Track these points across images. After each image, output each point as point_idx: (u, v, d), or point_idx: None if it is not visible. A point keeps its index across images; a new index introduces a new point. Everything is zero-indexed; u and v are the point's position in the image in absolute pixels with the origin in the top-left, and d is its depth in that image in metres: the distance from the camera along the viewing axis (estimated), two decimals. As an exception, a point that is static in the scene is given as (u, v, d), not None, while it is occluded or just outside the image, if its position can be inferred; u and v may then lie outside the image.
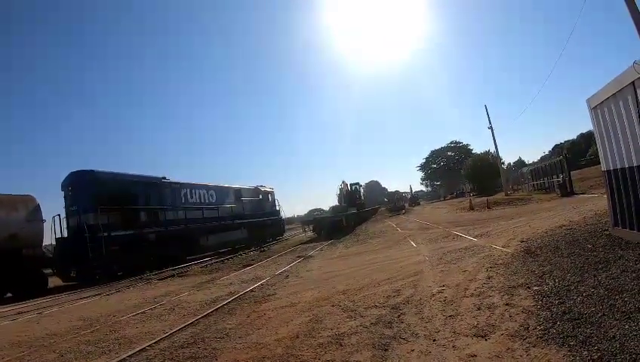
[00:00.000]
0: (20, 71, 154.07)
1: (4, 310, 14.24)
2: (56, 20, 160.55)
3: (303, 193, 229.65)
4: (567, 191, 29.53)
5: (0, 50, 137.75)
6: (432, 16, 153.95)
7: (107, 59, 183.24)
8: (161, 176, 27.33)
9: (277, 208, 42.44)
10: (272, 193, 41.86)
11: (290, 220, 70.99)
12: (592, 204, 17.42)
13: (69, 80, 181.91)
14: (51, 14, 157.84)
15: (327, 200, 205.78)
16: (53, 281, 21.63)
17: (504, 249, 10.72)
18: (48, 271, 21.61)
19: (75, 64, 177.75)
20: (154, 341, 6.92)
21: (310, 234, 36.93)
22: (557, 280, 6.42)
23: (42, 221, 20.85)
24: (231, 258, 24.63)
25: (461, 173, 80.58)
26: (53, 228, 21.58)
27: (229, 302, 9.86)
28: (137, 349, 6.51)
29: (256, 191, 38.56)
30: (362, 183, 54.81)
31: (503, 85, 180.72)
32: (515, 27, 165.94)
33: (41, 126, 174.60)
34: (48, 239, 21.65)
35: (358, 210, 41.53)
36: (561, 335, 4.40)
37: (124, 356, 6.24)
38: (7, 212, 19.21)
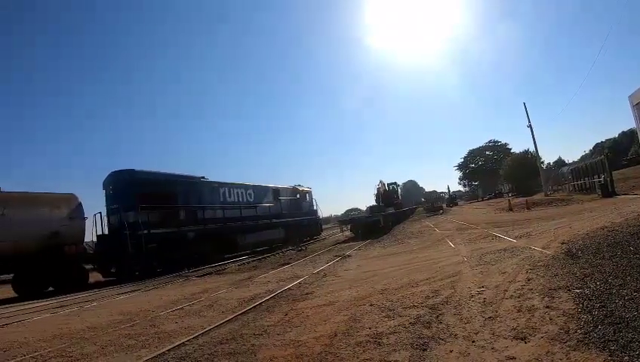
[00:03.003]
0: (66, 71, 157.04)
1: (46, 303, 14.55)
2: (104, 20, 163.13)
3: (340, 193, 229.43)
4: (608, 191, 29.01)
5: (49, 50, 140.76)
6: (467, 12, 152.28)
7: (148, 58, 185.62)
8: (200, 175, 27.61)
9: (314, 208, 42.54)
10: (309, 193, 41.91)
11: (327, 220, 70.87)
12: (635, 205, 17.11)
13: (114, 80, 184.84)
14: (110, 14, 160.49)
15: (364, 199, 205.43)
16: (94, 277, 22.05)
17: (544, 250, 10.56)
18: (89, 266, 22.05)
19: (118, 64, 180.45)
20: (193, 336, 6.97)
21: (347, 233, 36.83)
22: (598, 283, 6.31)
23: (84, 219, 21.34)
24: (268, 257, 24.68)
25: (499, 173, 79.69)
26: (94, 226, 22.04)
27: (267, 299, 9.88)
28: (176, 344, 6.58)
29: (294, 190, 38.69)
30: (400, 183, 54.44)
31: (543, 82, 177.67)
32: (554, 22, 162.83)
33: (86, 126, 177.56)
34: (90, 236, 22.08)
35: (396, 210, 41.27)
36: (601, 340, 4.31)
37: (163, 350, 6.30)
38: (50, 210, 19.75)
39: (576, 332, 4.65)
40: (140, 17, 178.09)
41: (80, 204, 21.39)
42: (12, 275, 19.85)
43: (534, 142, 48.85)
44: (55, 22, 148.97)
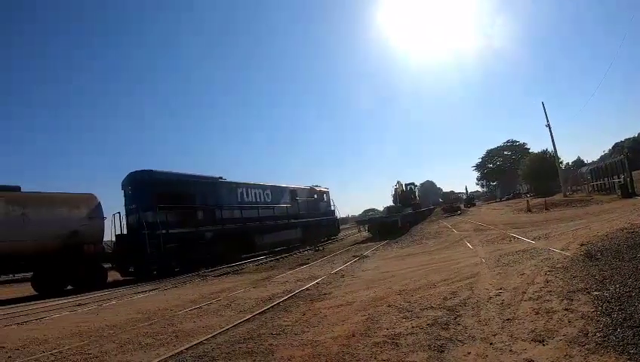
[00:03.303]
0: (87, 72, 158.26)
1: (65, 301, 14.70)
2: (128, 20, 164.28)
3: (358, 193, 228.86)
4: (628, 192, 28.74)
5: (74, 51, 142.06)
6: (485, 11, 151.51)
7: (169, 58, 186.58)
8: (218, 175, 27.76)
9: (332, 208, 42.47)
10: (327, 193, 41.90)
11: (345, 220, 70.87)
12: (655, 206, 16.94)
13: (140, 79, 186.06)
14: (136, 15, 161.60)
15: (382, 200, 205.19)
16: (113, 275, 22.26)
17: (563, 252, 10.49)
18: (108, 265, 22.27)
19: (138, 64, 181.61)
20: (211, 335, 7.02)
21: (365, 234, 36.82)
22: (618, 286, 6.26)
23: (103, 218, 21.52)
24: (286, 257, 24.78)
25: (518, 173, 79.11)
26: (113, 225, 22.28)
27: (284, 299, 9.93)
28: (195, 342, 6.62)
29: (311, 191, 38.73)
30: (417, 183, 54.24)
31: (562, 81, 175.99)
32: (573, 20, 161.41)
33: (105, 127, 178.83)
34: (109, 236, 22.28)
35: (414, 211, 41.15)
36: (621, 343, 4.27)
37: (181, 348, 6.35)
38: (70, 210, 20.00)
39: (595, 335, 4.62)
40: (157, 17, 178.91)
41: (99, 204, 21.60)
42: (32, 273, 20.16)
43: (553, 142, 48.56)
44: (78, 20, 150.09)
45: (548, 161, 59.48)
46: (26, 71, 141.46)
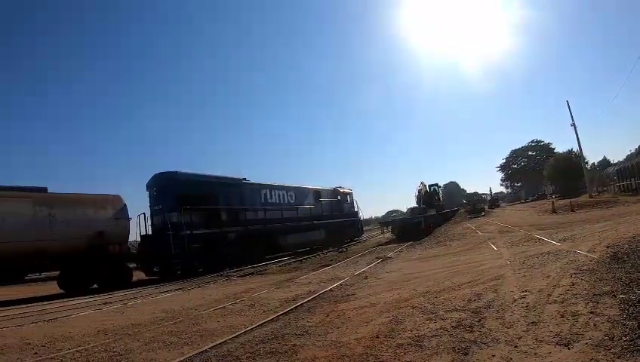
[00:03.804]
0: (111, 73, 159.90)
1: (90, 300, 14.88)
2: (151, 19, 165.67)
3: (381, 194, 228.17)
4: (655, 193, 28.39)
5: (90, 50, 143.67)
6: (507, 11, 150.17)
7: (192, 58, 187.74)
8: (242, 177, 27.90)
9: (355, 209, 42.36)
10: (350, 194, 41.82)
11: (368, 221, 70.75)
12: (684, 208, 16.72)
13: (164, 80, 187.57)
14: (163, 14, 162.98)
15: (405, 201, 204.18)
16: (137, 275, 22.44)
17: (589, 254, 10.38)
18: (133, 265, 22.52)
19: (155, 64, 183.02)
20: (235, 335, 7.05)
21: (388, 235, 36.73)
22: (645, 289, 6.20)
23: (128, 219, 21.80)
24: (309, 258, 24.85)
25: (543, 174, 78.36)
26: (138, 226, 22.59)
27: (308, 300, 9.94)
28: (218, 342, 6.66)
29: (334, 192, 38.67)
30: (441, 184, 53.98)
31: (588, 80, 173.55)
32: (600, 18, 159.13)
33: (130, 128, 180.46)
34: (134, 236, 22.54)
35: (437, 212, 41.01)
36: (647, 347, 4.25)
37: (205, 347, 6.39)
38: (96, 210, 20.31)
39: (621, 339, 4.56)
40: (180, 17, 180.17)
41: (125, 204, 21.88)
42: (58, 272, 20.46)
43: (578, 142, 47.99)
44: (101, 20, 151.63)
45: (573, 161, 58.88)
46: (50, 71, 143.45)
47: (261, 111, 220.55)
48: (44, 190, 19.68)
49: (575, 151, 58.95)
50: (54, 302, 15.34)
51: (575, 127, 45.95)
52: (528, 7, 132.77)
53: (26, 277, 22.52)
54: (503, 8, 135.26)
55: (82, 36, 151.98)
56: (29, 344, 7.88)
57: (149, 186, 23.96)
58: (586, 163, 59.42)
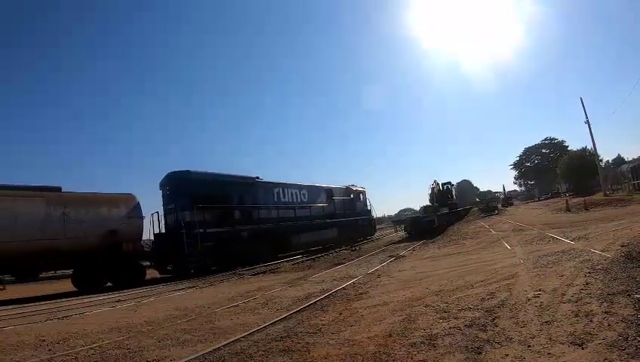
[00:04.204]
0: (124, 72, 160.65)
1: (104, 298, 14.97)
2: (164, 19, 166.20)
3: (394, 193, 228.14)
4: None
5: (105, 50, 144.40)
6: (522, 10, 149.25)
7: (205, 58, 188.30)
8: (254, 175, 27.96)
9: (368, 208, 42.32)
10: (363, 193, 41.74)
11: (381, 220, 70.69)
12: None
13: (176, 80, 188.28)
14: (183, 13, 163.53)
15: (418, 199, 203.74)
16: (151, 273, 22.57)
17: (603, 253, 10.31)
18: (146, 263, 22.66)
19: (174, 64, 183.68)
20: (248, 332, 7.09)
21: (401, 233, 36.68)
22: (660, 288, 6.16)
23: (141, 218, 21.96)
24: (322, 256, 24.85)
25: (556, 172, 77.74)
26: (152, 225, 22.79)
27: (321, 298, 9.96)
28: (232, 339, 6.69)
29: (347, 190, 38.60)
30: (454, 183, 53.67)
31: (602, 76, 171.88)
32: (611, 12, 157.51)
33: (144, 128, 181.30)
34: (147, 234, 22.70)
35: (450, 210, 40.82)
36: (662, 347, 4.22)
37: (218, 345, 6.42)
38: (109, 209, 20.50)
39: (635, 339, 4.54)
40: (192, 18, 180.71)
41: (138, 203, 22.05)
42: (72, 270, 20.63)
43: (592, 139, 47.33)
44: (128, 22, 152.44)
45: (587, 159, 58.31)
46: (67, 71, 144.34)
47: (273, 112, 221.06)
48: (58, 189, 19.82)
49: (589, 148, 58.44)
50: (68, 299, 15.45)
51: (589, 125, 45.46)
52: (540, 4, 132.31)
53: (40, 275, 22.64)
54: (514, 5, 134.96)
55: (95, 35, 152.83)
56: (44, 341, 7.94)
57: (162, 185, 24.15)
58: (600, 160, 58.73)
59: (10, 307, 14.18)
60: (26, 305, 14.66)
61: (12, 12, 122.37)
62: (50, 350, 7.20)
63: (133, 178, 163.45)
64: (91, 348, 7.04)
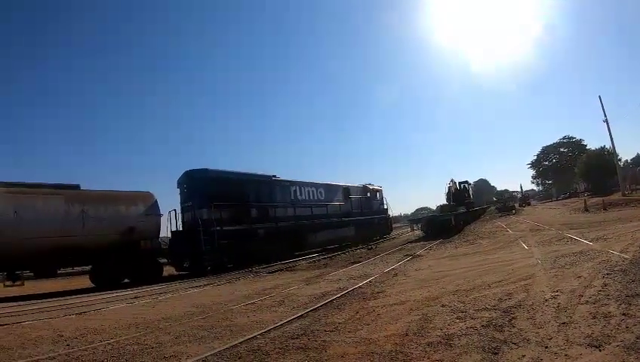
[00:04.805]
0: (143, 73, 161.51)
1: (122, 294, 15.15)
2: (177, 19, 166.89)
3: (410, 191, 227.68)
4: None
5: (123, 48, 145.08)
6: (540, 8, 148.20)
7: (215, 57, 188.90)
8: (271, 174, 28.06)
9: (385, 206, 42.39)
10: (380, 191, 41.77)
11: (397, 219, 70.54)
12: None
13: (190, 80, 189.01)
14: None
15: (435, 198, 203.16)
16: (168, 270, 22.81)
17: (622, 254, 10.23)
18: (163, 260, 22.89)
19: (193, 63, 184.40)
20: (264, 330, 7.10)
21: (418, 233, 36.63)
22: (679, 290, 6.11)
23: (159, 215, 22.20)
24: (338, 255, 24.86)
25: (574, 171, 77.11)
26: (169, 222, 23.02)
27: (337, 297, 9.95)
28: (248, 337, 6.70)
29: (364, 189, 38.60)
30: (471, 182, 53.42)
31: (621, 75, 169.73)
32: (631, 10, 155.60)
33: (161, 127, 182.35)
34: (165, 232, 22.89)
35: (467, 210, 40.66)
36: (680, 350, 4.18)
37: (235, 342, 6.43)
38: (127, 207, 20.81)
39: (653, 341, 4.52)
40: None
41: (156, 201, 22.35)
42: (90, 267, 20.89)
43: (611, 138, 46.95)
44: (154, 22, 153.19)
45: (606, 158, 57.81)
46: (87, 72, 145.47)
47: (291, 110, 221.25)
48: (77, 187, 20.12)
49: (608, 147, 57.96)
50: (86, 295, 15.65)
51: (607, 123, 45.07)
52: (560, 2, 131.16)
53: (59, 272, 22.85)
54: (533, 3, 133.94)
55: (117, 36, 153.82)
56: (62, 336, 8.05)
57: (179, 183, 24.39)
58: (619, 160, 58.18)
59: (29, 302, 14.37)
60: (45, 300, 14.87)
61: (36, 11, 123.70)
62: (68, 345, 7.27)
63: (149, 177, 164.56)
64: (109, 344, 7.09)
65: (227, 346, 6.26)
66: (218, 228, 21.74)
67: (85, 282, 20.75)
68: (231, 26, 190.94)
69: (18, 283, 18.27)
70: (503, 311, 6.61)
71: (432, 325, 6.35)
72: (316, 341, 6.17)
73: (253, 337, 6.68)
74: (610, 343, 4.67)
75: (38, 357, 6.54)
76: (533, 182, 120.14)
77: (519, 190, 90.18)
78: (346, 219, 33.65)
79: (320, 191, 31.85)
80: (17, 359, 6.51)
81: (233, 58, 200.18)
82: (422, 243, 26.45)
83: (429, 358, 4.94)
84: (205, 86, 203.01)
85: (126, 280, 20.45)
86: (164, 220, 22.66)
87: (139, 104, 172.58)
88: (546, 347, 4.82)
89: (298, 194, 29.40)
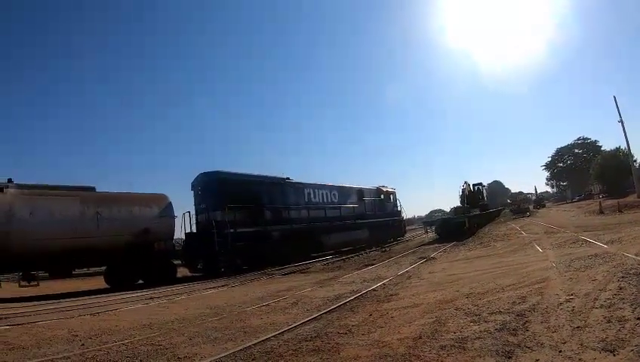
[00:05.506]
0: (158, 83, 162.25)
1: (137, 295, 15.29)
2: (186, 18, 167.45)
3: (424, 193, 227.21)
4: None
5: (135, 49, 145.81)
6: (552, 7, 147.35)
7: (227, 58, 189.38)
8: (285, 176, 28.16)
9: (398, 209, 42.26)
10: (393, 193, 41.71)
11: (411, 221, 70.42)
12: None
13: (201, 80, 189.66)
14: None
15: (449, 200, 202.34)
16: (182, 272, 22.93)
17: (637, 257, 10.15)
18: (177, 262, 22.99)
19: (217, 63, 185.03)
20: (278, 332, 7.13)
21: (432, 235, 36.53)
22: (695, 294, 6.07)
23: (173, 217, 22.39)
24: (352, 257, 24.92)
25: (589, 173, 76.51)
26: (183, 224, 23.13)
27: (351, 299, 9.97)
28: (262, 339, 6.73)
29: (378, 191, 38.59)
30: (485, 184, 53.16)
31: (637, 74, 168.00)
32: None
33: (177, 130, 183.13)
34: (179, 234, 23.06)
35: (481, 212, 40.52)
36: (695, 355, 4.16)
37: (249, 344, 6.46)
38: (142, 209, 20.97)
39: (668, 346, 4.49)
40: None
41: (170, 203, 22.53)
42: (105, 268, 21.11)
43: (626, 139, 46.52)
44: (163, 24, 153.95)
45: (621, 159, 57.30)
46: (98, 71, 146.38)
47: (302, 111, 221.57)
48: (92, 189, 20.33)
49: (623, 149, 57.45)
50: (101, 296, 15.79)
51: (623, 124, 44.66)
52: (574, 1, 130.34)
53: (74, 272, 23.04)
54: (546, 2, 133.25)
55: (131, 37, 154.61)
56: (77, 336, 8.12)
57: (193, 185, 24.55)
58: (635, 161, 57.55)
59: (44, 302, 14.52)
60: (60, 300, 15.00)
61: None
62: (82, 345, 7.34)
63: (164, 179, 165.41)
64: (123, 344, 7.15)
65: (241, 347, 6.29)
66: (232, 230, 21.82)
67: (100, 283, 20.90)
68: (238, 25, 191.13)
69: (33, 283, 18.49)
70: (517, 315, 6.58)
71: (445, 328, 6.35)
72: (329, 343, 6.18)
73: (266, 339, 6.71)
74: (624, 347, 4.64)
75: (52, 357, 6.60)
76: (547, 184, 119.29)
77: (534, 192, 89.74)
78: (360, 221, 33.63)
79: (333, 194, 31.87)
80: (32, 358, 6.57)
81: (242, 58, 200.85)
82: (436, 245, 26.41)
83: (442, 361, 4.94)
84: (210, 87, 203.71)
85: (140, 281, 20.62)
86: (178, 222, 22.87)
87: (164, 116, 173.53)
88: (560, 351, 4.80)
89: (312, 196, 29.45)
